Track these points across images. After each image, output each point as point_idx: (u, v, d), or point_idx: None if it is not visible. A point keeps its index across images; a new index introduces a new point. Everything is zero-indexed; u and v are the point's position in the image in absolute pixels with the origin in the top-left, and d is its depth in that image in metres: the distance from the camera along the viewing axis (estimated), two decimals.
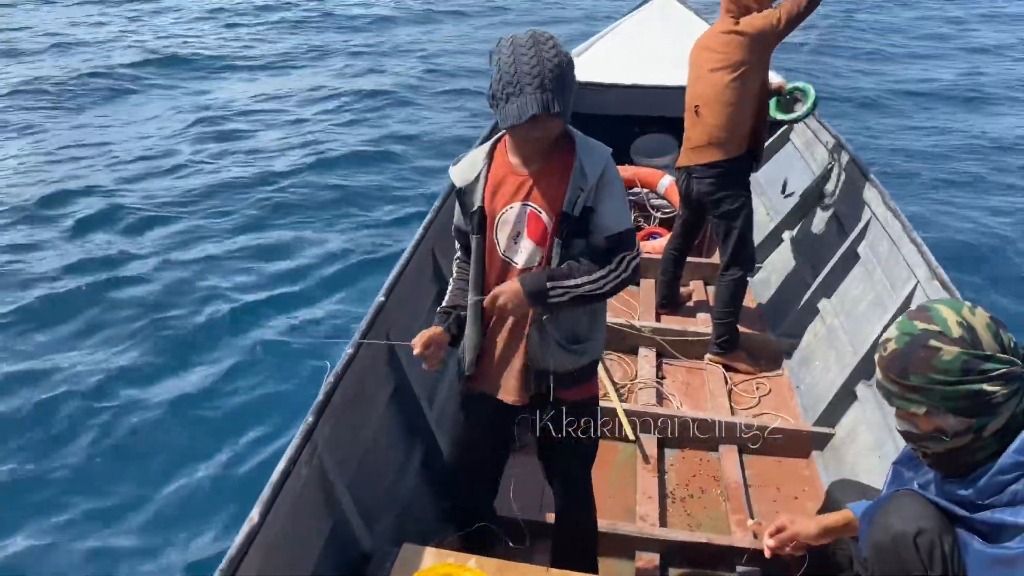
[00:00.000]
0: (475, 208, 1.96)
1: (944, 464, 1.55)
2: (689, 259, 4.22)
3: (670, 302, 4.21)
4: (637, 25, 6.07)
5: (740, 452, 3.23)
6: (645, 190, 5.22)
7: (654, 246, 4.62)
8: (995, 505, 1.45)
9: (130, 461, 4.11)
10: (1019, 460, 1.42)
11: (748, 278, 3.83)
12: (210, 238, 6.54)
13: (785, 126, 5.08)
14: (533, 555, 2.63)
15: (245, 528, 1.77)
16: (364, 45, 13.50)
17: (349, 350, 2.47)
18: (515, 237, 1.94)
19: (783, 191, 4.68)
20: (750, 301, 4.27)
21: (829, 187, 4.41)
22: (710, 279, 4.46)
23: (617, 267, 1.89)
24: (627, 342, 3.87)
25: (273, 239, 6.58)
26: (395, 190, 7.74)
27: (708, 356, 3.81)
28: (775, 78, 4.15)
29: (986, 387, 1.42)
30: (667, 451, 3.26)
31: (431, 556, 2.11)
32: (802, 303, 3.94)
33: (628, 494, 3.00)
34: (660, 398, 3.55)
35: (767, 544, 1.95)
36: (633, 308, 4.24)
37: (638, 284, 4.47)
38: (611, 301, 4.24)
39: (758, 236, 4.33)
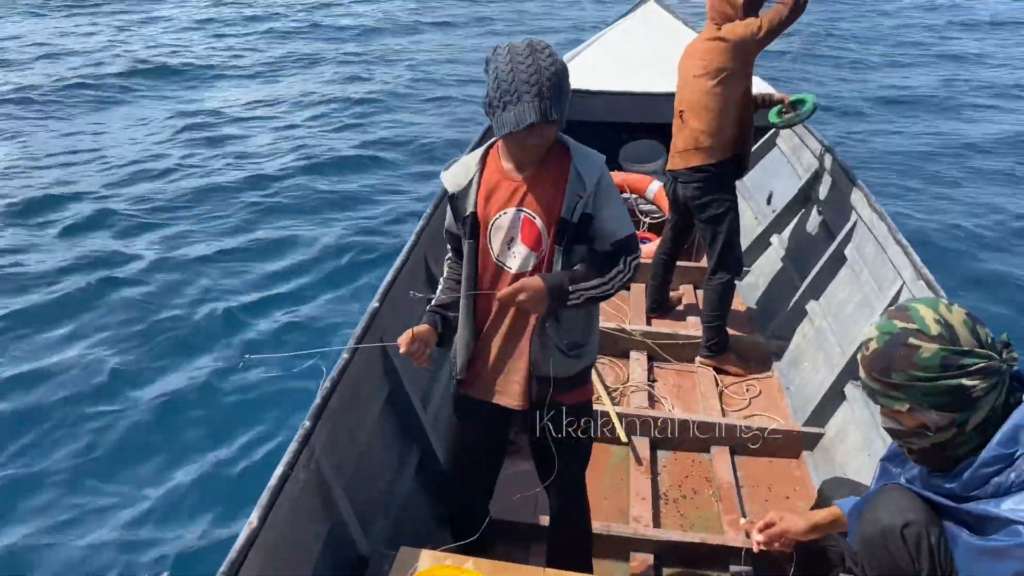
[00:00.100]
0: (468, 213, 1.98)
1: (928, 459, 1.59)
2: (678, 263, 4.26)
3: (660, 306, 4.25)
4: (624, 33, 6.12)
5: (732, 453, 3.27)
6: (634, 195, 5.27)
7: (644, 251, 4.66)
8: (979, 497, 1.48)
9: (124, 462, 4.13)
10: (1001, 453, 1.45)
11: (736, 281, 3.87)
12: (202, 242, 6.58)
13: (772, 131, 5.14)
14: (529, 557, 2.66)
15: (245, 532, 1.79)
16: (352, 54, 13.60)
17: (345, 355, 2.49)
18: (508, 242, 1.96)
19: (768, 202, 4.73)
20: (739, 304, 4.32)
21: (816, 191, 4.46)
22: (699, 283, 4.50)
23: (623, 268, 1.95)
24: (618, 346, 3.91)
25: (265, 242, 6.64)
26: (385, 194, 7.80)
27: (699, 359, 3.85)
28: (777, 92, 4.22)
29: (965, 382, 1.46)
30: (660, 453, 3.29)
31: (428, 558, 2.12)
32: (790, 305, 3.99)
33: (622, 496, 3.03)
34: (652, 401, 3.59)
35: (755, 540, 1.98)
36: (624, 312, 4.28)
37: (628, 288, 4.50)
38: (602, 305, 4.29)
39: (746, 240, 4.38)
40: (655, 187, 5.22)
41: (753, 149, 5.10)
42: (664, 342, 3.89)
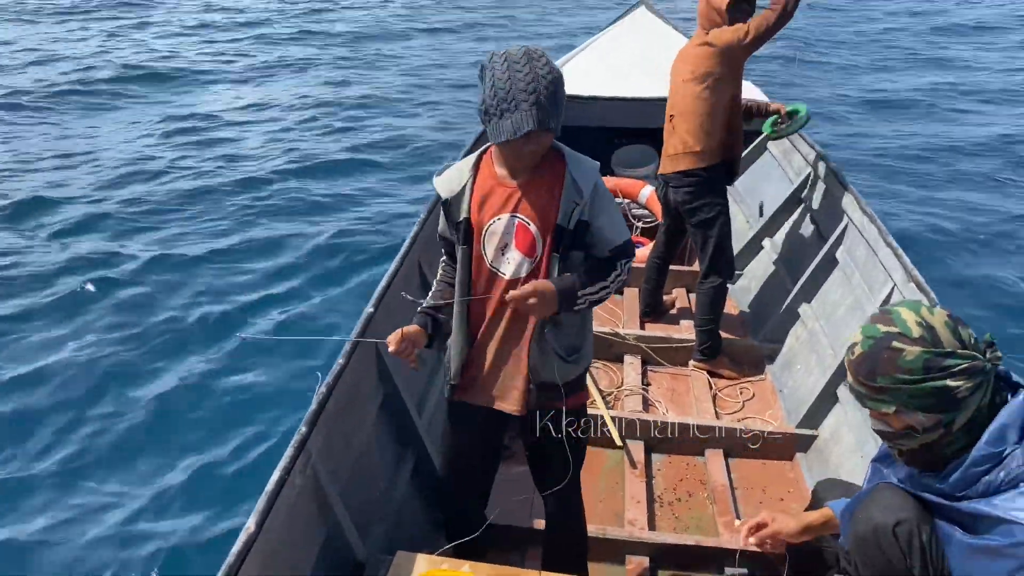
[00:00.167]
0: (461, 219, 1.98)
1: (918, 460, 1.61)
2: (671, 267, 4.28)
3: (654, 310, 4.27)
4: (615, 39, 6.15)
5: (726, 456, 3.28)
6: (626, 200, 5.30)
7: (637, 255, 4.67)
8: (970, 496, 1.50)
9: (117, 462, 4.15)
10: (990, 452, 1.47)
11: (728, 285, 3.89)
12: (195, 243, 6.62)
13: (763, 136, 5.17)
14: (524, 561, 2.66)
15: (242, 537, 1.79)
16: (343, 59, 13.67)
17: (340, 360, 2.50)
18: (503, 248, 1.97)
19: (760, 212, 4.76)
20: (732, 307, 4.34)
21: (807, 194, 4.49)
22: (692, 287, 4.51)
23: (620, 271, 1.98)
24: (612, 350, 3.92)
25: (257, 244, 6.69)
26: (377, 196, 7.86)
27: (692, 362, 3.87)
28: (772, 100, 4.25)
29: (949, 383, 1.48)
30: (654, 456, 3.30)
31: (424, 563, 2.13)
32: (783, 308, 4.01)
33: (617, 499, 3.04)
34: (646, 404, 3.60)
35: (749, 540, 1.99)
36: (617, 317, 4.29)
37: (622, 293, 4.52)
38: (596, 310, 4.30)
39: (738, 244, 4.40)
40: (647, 192, 5.25)
41: (744, 154, 5.15)
42: (658, 346, 3.91)
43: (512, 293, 1.87)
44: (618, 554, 2.71)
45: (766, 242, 4.66)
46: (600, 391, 3.58)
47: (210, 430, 4.38)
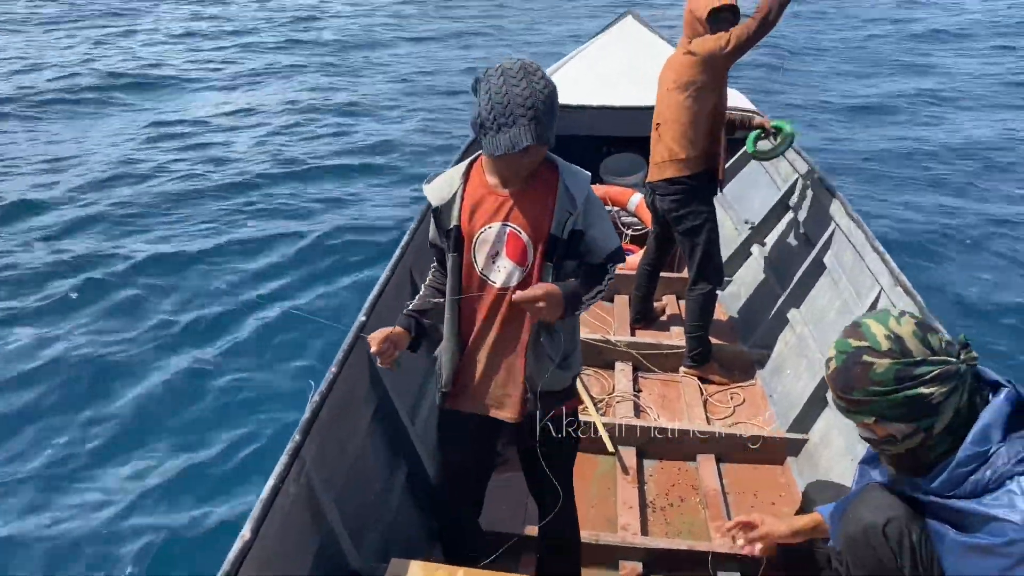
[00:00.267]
0: (452, 227, 2.00)
1: (904, 465, 1.64)
2: (661, 274, 4.31)
3: (644, 317, 4.29)
4: (603, 48, 6.20)
5: (717, 461, 3.30)
6: (616, 208, 5.33)
7: (627, 262, 4.71)
8: (959, 496, 1.53)
9: (106, 460, 4.20)
10: (976, 451, 1.50)
11: (718, 291, 3.91)
12: (183, 246, 6.66)
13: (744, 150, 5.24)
14: (518, 567, 2.67)
15: (237, 545, 1.79)
16: (331, 65, 13.75)
17: (333, 368, 2.50)
18: (493, 257, 1.98)
19: (747, 230, 4.80)
20: (721, 314, 4.37)
21: (794, 201, 4.53)
22: (682, 293, 4.52)
23: (611, 275, 2.02)
24: (603, 357, 3.94)
25: (248, 246, 6.75)
26: (363, 200, 7.92)
27: (683, 368, 3.89)
28: (758, 113, 4.29)
29: (923, 390, 1.51)
30: (646, 462, 3.32)
31: (419, 570, 2.13)
32: (772, 314, 4.04)
33: (609, 505, 3.05)
34: (637, 411, 3.62)
35: (738, 542, 2.01)
36: (608, 324, 4.31)
37: (612, 300, 4.55)
38: (586, 317, 4.34)
39: (727, 250, 4.44)
40: (636, 199, 5.28)
41: (732, 161, 5.21)
42: (648, 352, 3.93)
43: (520, 295, 1.87)
44: (611, 559, 2.73)
45: (755, 248, 4.69)
46: (592, 398, 3.59)
47: (199, 430, 4.42)
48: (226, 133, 9.92)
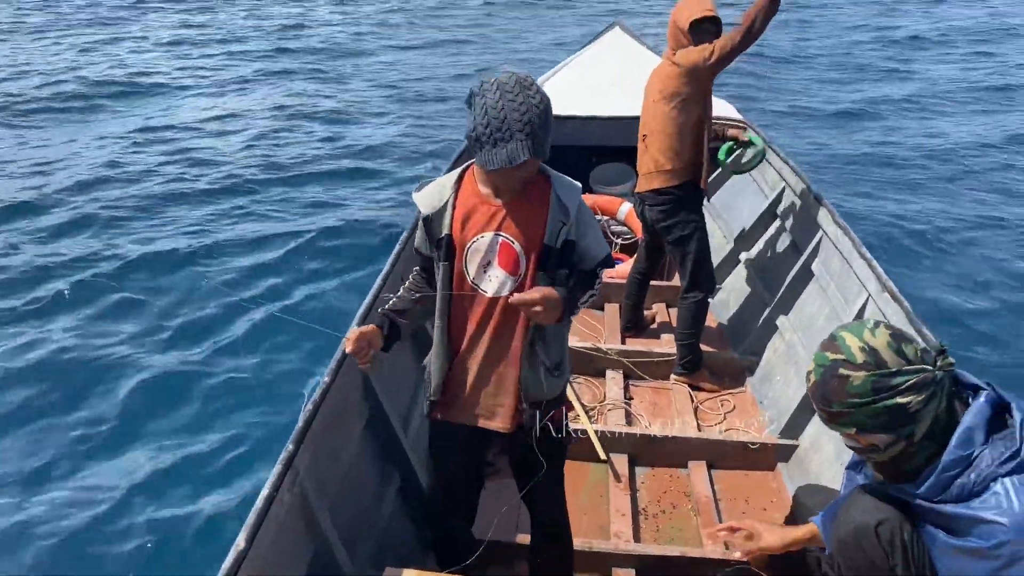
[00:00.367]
0: (443, 235, 2.00)
1: (890, 472, 1.67)
2: (651, 283, 4.33)
3: (635, 325, 4.31)
4: (592, 59, 6.25)
5: (708, 467, 3.32)
6: (605, 217, 5.37)
7: (618, 271, 4.73)
8: (946, 501, 1.55)
9: (93, 459, 4.23)
10: (959, 455, 1.53)
11: (709, 299, 3.94)
12: (173, 252, 6.69)
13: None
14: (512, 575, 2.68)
15: (232, 554, 1.79)
16: (320, 72, 13.84)
17: (326, 378, 2.51)
18: (485, 266, 1.99)
19: (735, 239, 4.83)
20: (711, 321, 4.39)
21: (781, 209, 4.58)
22: (672, 301, 4.57)
23: (600, 279, 2.05)
24: (594, 365, 3.95)
25: (238, 247, 6.81)
26: (354, 202, 7.98)
27: (673, 376, 3.91)
28: (734, 124, 4.33)
29: (900, 400, 1.54)
30: (638, 469, 3.33)
31: None
32: (761, 321, 4.07)
33: (602, 512, 3.06)
34: (629, 418, 3.63)
35: (736, 554, 2.03)
36: (599, 332, 4.33)
37: (602, 308, 4.57)
38: (578, 325, 4.35)
39: (716, 258, 4.46)
40: (626, 208, 5.32)
41: (716, 175, 5.25)
42: (639, 360, 3.95)
43: (517, 297, 1.87)
44: (604, 567, 2.73)
45: (743, 256, 4.73)
46: (583, 406, 3.61)
47: (188, 432, 4.45)
48: (214, 138, 10.01)
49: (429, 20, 19.23)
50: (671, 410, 3.72)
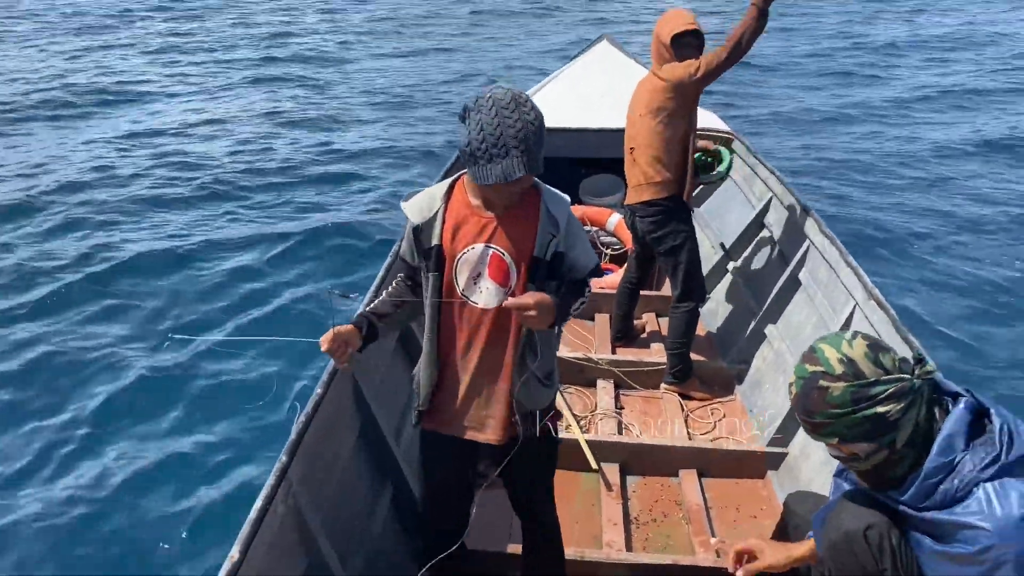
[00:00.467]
0: (432, 246, 2.01)
1: (873, 480, 1.69)
2: (641, 292, 4.36)
3: (625, 335, 4.33)
4: (580, 71, 6.31)
5: (699, 476, 3.34)
6: (595, 228, 5.40)
7: (608, 282, 4.76)
8: (930, 507, 1.58)
9: (87, 464, 4.24)
10: (942, 462, 1.56)
11: (699, 308, 3.97)
12: (161, 255, 6.76)
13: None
14: None
15: (226, 566, 1.79)
16: (309, 78, 13.93)
17: (318, 390, 2.52)
18: (475, 278, 2.00)
19: (723, 248, 4.87)
20: (700, 330, 4.42)
21: (768, 219, 4.62)
22: (661, 311, 4.61)
23: (589, 287, 2.08)
24: (585, 375, 3.97)
25: (228, 250, 6.90)
26: (342, 207, 8.06)
27: (664, 385, 3.93)
28: (706, 136, 4.39)
29: (879, 409, 1.57)
30: (629, 478, 3.35)
31: None
32: (749, 330, 4.10)
33: (593, 522, 3.07)
34: (620, 427, 3.65)
35: (739, 573, 2.04)
36: (590, 342, 4.35)
37: (593, 319, 4.60)
38: (569, 335, 4.37)
39: (704, 268, 4.47)
40: (615, 219, 5.35)
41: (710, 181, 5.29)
42: (630, 370, 3.97)
43: (511, 301, 1.89)
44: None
45: (731, 266, 4.76)
46: (575, 415, 3.62)
47: (170, 432, 4.49)
48: (201, 144, 10.10)
49: (416, 28, 19.33)
50: (662, 419, 3.74)
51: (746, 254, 4.74)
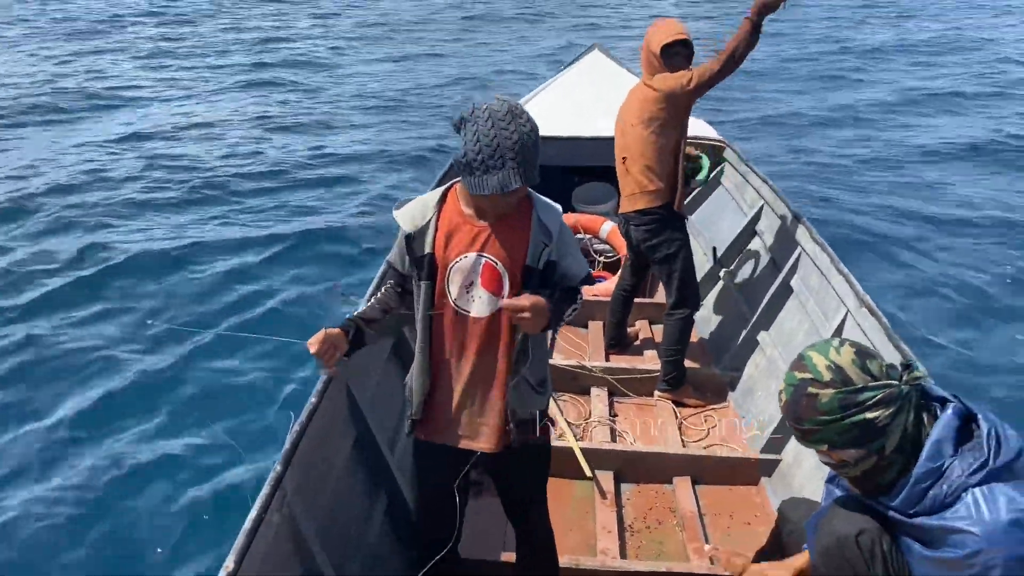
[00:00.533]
0: (425, 254, 2.02)
1: (864, 486, 1.71)
2: (634, 300, 4.37)
3: (619, 342, 4.35)
4: (572, 80, 6.33)
5: (693, 483, 3.35)
6: (588, 236, 5.41)
7: (601, 289, 4.78)
8: (920, 513, 1.60)
9: (78, 462, 4.24)
10: (931, 467, 1.58)
11: (693, 316, 3.98)
12: (152, 261, 6.74)
13: (716, 170, 5.36)
14: None
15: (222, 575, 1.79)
16: (300, 84, 13.94)
17: (313, 399, 2.52)
18: (468, 286, 2.01)
19: (714, 256, 4.90)
20: (693, 337, 4.42)
21: (760, 226, 4.65)
22: (654, 318, 4.62)
23: (581, 294, 2.10)
24: (579, 383, 3.98)
25: (219, 250, 6.92)
26: (332, 210, 8.09)
27: (657, 392, 3.94)
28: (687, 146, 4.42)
29: (867, 415, 1.59)
30: (623, 486, 3.36)
31: None
32: (742, 337, 4.12)
33: (588, 529, 3.08)
34: (614, 435, 3.66)
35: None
36: (583, 350, 4.36)
37: (586, 326, 4.61)
38: (562, 343, 4.37)
39: (697, 275, 4.52)
40: (608, 227, 5.37)
41: (699, 189, 5.32)
42: (624, 377, 3.98)
43: (507, 302, 1.90)
44: None
45: (723, 273, 4.79)
46: (569, 423, 3.63)
47: (160, 434, 4.49)
48: (192, 147, 10.11)
49: (408, 34, 19.36)
50: (656, 426, 3.75)
51: (738, 261, 4.76)
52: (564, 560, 2.62)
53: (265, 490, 2.10)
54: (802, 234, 4.04)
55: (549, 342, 2.24)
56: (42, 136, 10.45)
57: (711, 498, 3.30)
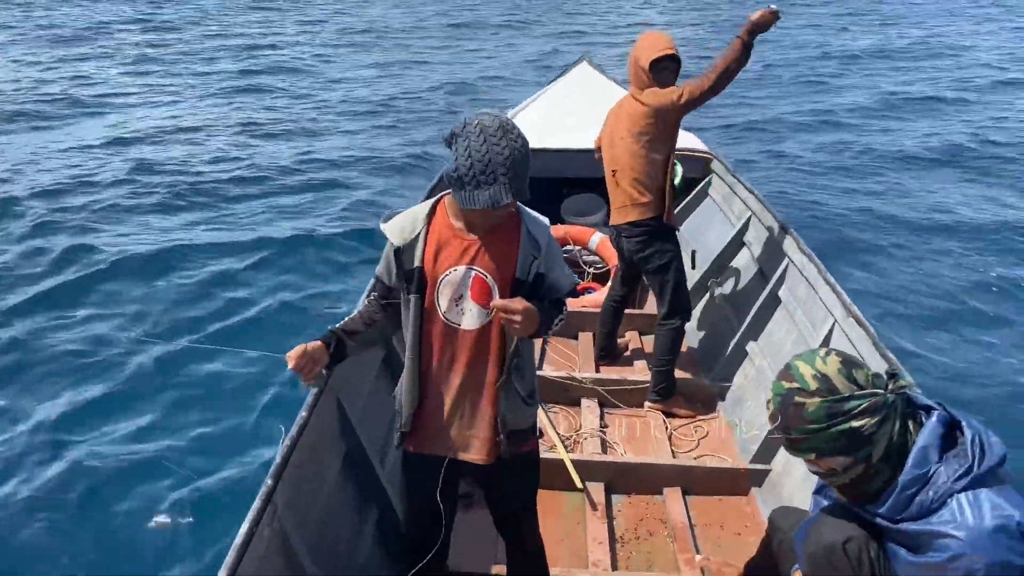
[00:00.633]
0: (414, 267, 2.02)
1: (851, 493, 1.74)
2: (624, 311, 4.39)
3: (609, 353, 4.35)
4: (560, 93, 6.37)
5: (684, 493, 3.36)
6: (577, 247, 5.43)
7: (591, 300, 4.79)
8: (906, 519, 1.62)
9: (72, 460, 4.25)
10: (917, 474, 1.61)
11: (684, 326, 4.00)
12: (140, 266, 6.76)
13: (704, 181, 5.40)
14: None
15: None
16: (286, 91, 14.01)
17: (303, 413, 2.52)
18: (457, 299, 2.01)
19: (692, 263, 4.93)
20: (683, 348, 4.45)
21: (748, 237, 4.68)
22: (644, 329, 4.64)
23: (566, 305, 2.13)
24: (569, 394, 3.98)
25: (212, 252, 6.97)
26: (317, 217, 8.10)
27: (647, 403, 3.95)
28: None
29: (854, 424, 1.62)
30: (614, 497, 3.36)
31: None
32: (731, 348, 4.14)
33: (579, 541, 3.08)
34: (604, 446, 3.66)
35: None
36: (573, 361, 4.37)
37: (576, 337, 4.62)
38: (552, 355, 4.37)
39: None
40: (597, 239, 5.39)
41: (689, 198, 5.35)
42: (614, 388, 3.99)
43: (500, 302, 1.91)
44: None
45: (712, 284, 4.81)
46: (559, 435, 3.63)
47: (150, 435, 4.51)
48: (179, 152, 10.15)
49: (395, 40, 19.42)
50: (646, 437, 3.76)
51: (727, 272, 4.79)
52: (555, 572, 2.62)
53: (256, 504, 2.09)
54: (790, 245, 4.07)
55: (538, 354, 2.25)
56: (27, 141, 10.46)
57: (701, 508, 3.31)
